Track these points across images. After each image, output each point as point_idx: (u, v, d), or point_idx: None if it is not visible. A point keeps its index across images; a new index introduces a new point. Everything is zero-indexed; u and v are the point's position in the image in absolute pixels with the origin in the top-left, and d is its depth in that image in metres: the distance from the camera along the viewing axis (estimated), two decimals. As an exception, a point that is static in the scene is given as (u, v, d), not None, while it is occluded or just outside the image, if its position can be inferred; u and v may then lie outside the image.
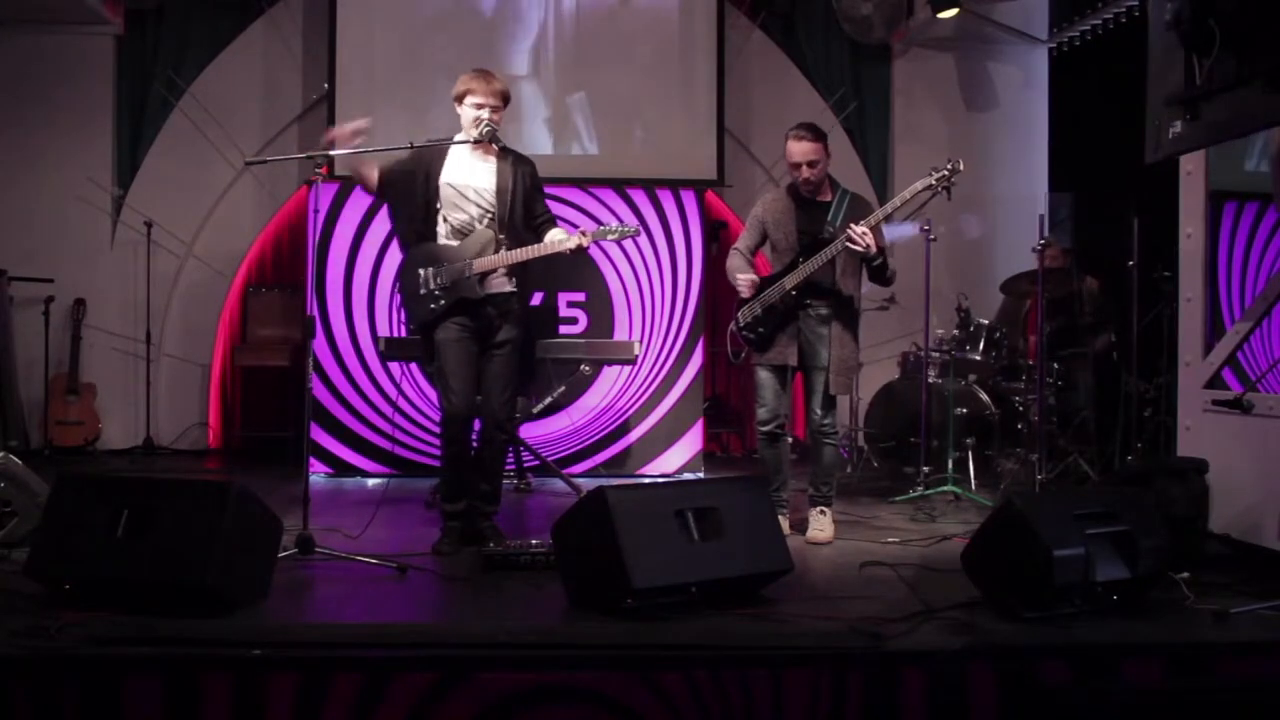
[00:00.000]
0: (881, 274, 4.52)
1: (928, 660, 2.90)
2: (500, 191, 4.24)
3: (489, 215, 4.25)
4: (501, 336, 4.26)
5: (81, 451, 7.21)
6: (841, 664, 2.86)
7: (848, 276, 4.54)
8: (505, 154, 4.30)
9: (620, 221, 4.73)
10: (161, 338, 7.53)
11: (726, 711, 2.81)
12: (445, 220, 4.26)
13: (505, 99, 4.27)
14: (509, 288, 4.29)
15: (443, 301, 4.19)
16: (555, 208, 6.38)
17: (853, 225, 4.32)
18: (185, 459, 7.25)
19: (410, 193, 4.27)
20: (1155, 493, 3.97)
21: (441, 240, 4.25)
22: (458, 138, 4.28)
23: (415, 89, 7.17)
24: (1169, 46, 3.59)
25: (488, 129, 4.19)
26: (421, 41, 7.22)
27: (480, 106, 4.19)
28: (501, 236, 4.22)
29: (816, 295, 4.53)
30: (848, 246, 4.34)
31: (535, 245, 4.24)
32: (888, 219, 4.53)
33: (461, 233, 4.24)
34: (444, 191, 4.23)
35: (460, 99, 4.24)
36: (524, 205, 4.29)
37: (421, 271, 4.22)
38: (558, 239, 4.26)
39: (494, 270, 4.21)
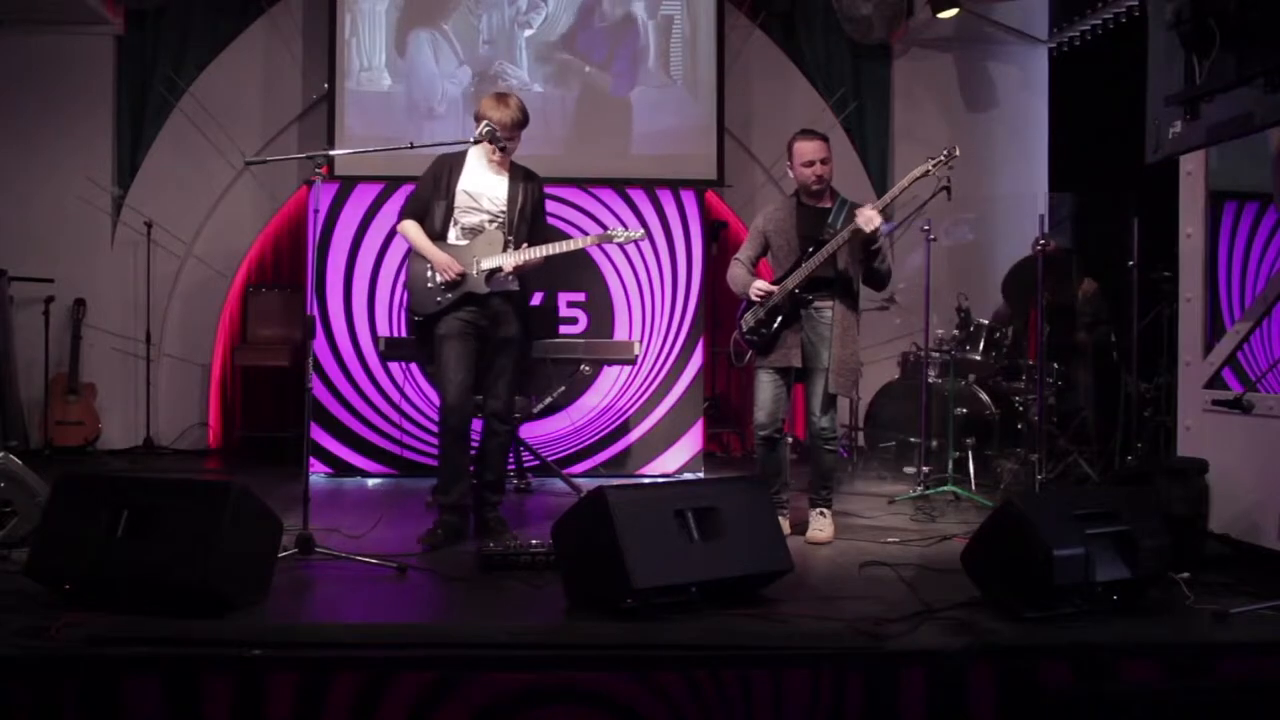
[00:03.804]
0: (873, 262, 4.52)
1: (928, 660, 2.90)
2: (510, 199, 4.47)
3: (498, 220, 4.45)
4: (504, 333, 4.45)
5: (81, 451, 7.21)
6: (841, 664, 2.86)
7: (850, 276, 4.56)
8: (516, 169, 4.55)
9: (623, 224, 4.85)
10: (161, 338, 7.53)
11: (726, 711, 2.81)
12: (457, 223, 4.46)
13: (520, 125, 4.42)
14: (513, 287, 4.49)
15: (449, 295, 4.38)
16: (556, 208, 6.48)
17: (861, 210, 4.39)
18: (185, 459, 7.24)
19: (433, 197, 4.48)
20: (1155, 493, 3.97)
21: (451, 240, 4.45)
22: (454, 142, 4.51)
23: (414, 89, 7.18)
24: (1169, 46, 3.59)
25: (487, 129, 4.35)
26: (421, 44, 7.22)
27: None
28: (509, 238, 4.42)
29: (819, 295, 4.55)
30: (854, 230, 4.37)
31: (541, 245, 4.44)
32: (886, 210, 4.56)
33: (472, 233, 4.45)
34: (459, 198, 4.45)
35: (478, 123, 4.40)
36: (531, 214, 4.51)
37: (430, 267, 4.42)
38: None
39: (500, 270, 4.36)
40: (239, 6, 7.59)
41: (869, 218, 4.35)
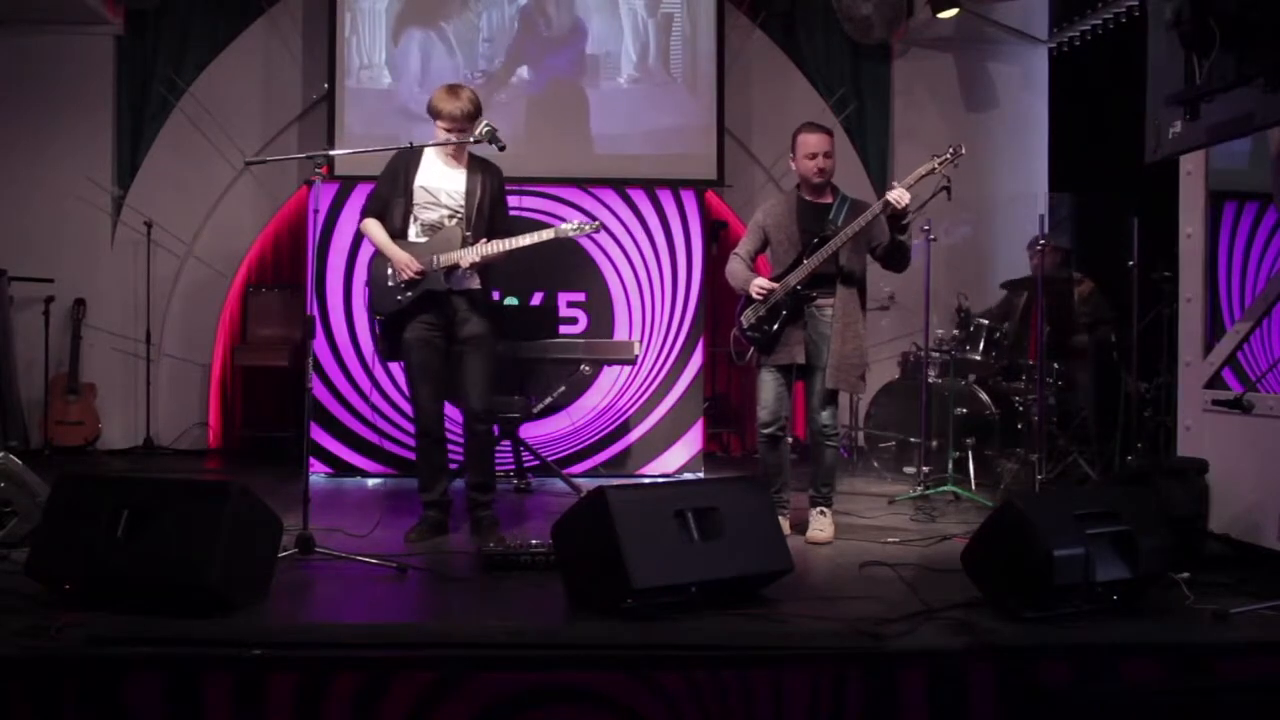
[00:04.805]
0: (905, 241, 4.49)
1: (928, 660, 2.90)
2: (468, 194, 4.47)
3: (457, 215, 4.46)
4: (468, 332, 4.46)
5: (81, 451, 7.21)
6: (841, 664, 2.86)
7: (851, 271, 4.55)
8: (475, 162, 4.55)
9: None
10: (161, 338, 7.53)
11: (726, 711, 2.81)
12: (416, 220, 4.48)
13: (472, 116, 4.42)
14: (474, 285, 4.50)
15: (409, 294, 4.42)
16: (555, 207, 6.49)
17: (891, 189, 4.36)
18: (185, 459, 7.24)
19: (391, 194, 4.50)
20: (1155, 493, 3.97)
21: (411, 238, 4.47)
22: (440, 142, 4.45)
23: (414, 89, 7.18)
24: (1169, 46, 3.59)
25: (487, 130, 4.37)
26: (420, 41, 7.22)
27: (449, 130, 4.39)
28: (468, 234, 4.44)
29: (822, 292, 4.54)
30: (885, 205, 4.34)
31: (499, 240, 4.42)
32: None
33: (431, 229, 4.47)
34: (417, 194, 4.47)
35: (432, 117, 4.44)
36: (490, 208, 4.50)
37: (390, 266, 4.46)
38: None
39: (458, 266, 4.38)
40: (239, 6, 7.59)
41: (900, 194, 4.32)
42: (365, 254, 6.43)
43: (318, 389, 6.33)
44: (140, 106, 7.53)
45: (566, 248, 6.14)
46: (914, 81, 7.91)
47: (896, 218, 4.41)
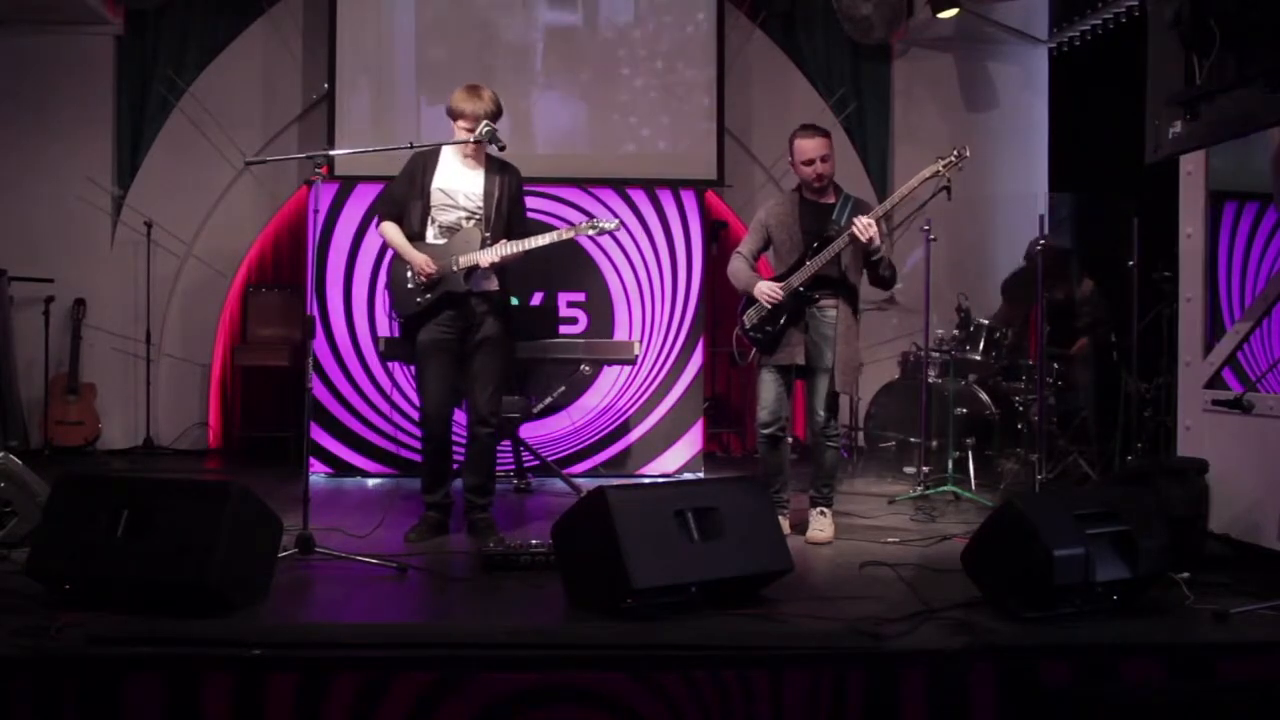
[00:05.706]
0: (876, 269, 4.53)
1: (928, 660, 2.90)
2: (487, 195, 4.45)
3: (475, 216, 4.44)
4: (483, 334, 4.46)
5: (81, 451, 7.21)
6: (841, 664, 2.86)
7: (853, 274, 4.56)
8: (492, 163, 4.52)
9: (623, 224, 4.86)
10: (161, 338, 7.52)
11: (726, 711, 2.81)
12: (434, 221, 4.47)
13: (494, 116, 4.40)
14: (493, 286, 4.48)
15: (429, 295, 4.40)
16: (555, 207, 6.49)
17: (858, 218, 4.35)
18: (185, 459, 7.24)
19: (408, 197, 4.48)
20: (1155, 493, 3.97)
21: (430, 240, 4.46)
22: (451, 142, 4.44)
23: (414, 89, 7.18)
24: (1169, 46, 3.59)
25: (487, 130, 4.35)
26: (421, 42, 7.23)
27: (470, 130, 4.37)
28: (487, 235, 4.42)
29: (823, 294, 4.54)
30: (852, 236, 4.35)
31: (518, 240, 4.41)
32: (889, 214, 4.55)
33: (450, 231, 4.45)
34: (434, 196, 4.45)
35: (452, 117, 4.42)
36: (508, 208, 4.48)
37: (409, 268, 4.44)
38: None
39: (478, 267, 4.36)
40: (239, 6, 7.58)
41: (864, 226, 4.31)
42: (365, 254, 6.45)
43: (318, 389, 6.33)
44: (140, 106, 7.53)
45: (567, 248, 6.13)
46: (914, 81, 7.91)
47: (865, 250, 4.41)
